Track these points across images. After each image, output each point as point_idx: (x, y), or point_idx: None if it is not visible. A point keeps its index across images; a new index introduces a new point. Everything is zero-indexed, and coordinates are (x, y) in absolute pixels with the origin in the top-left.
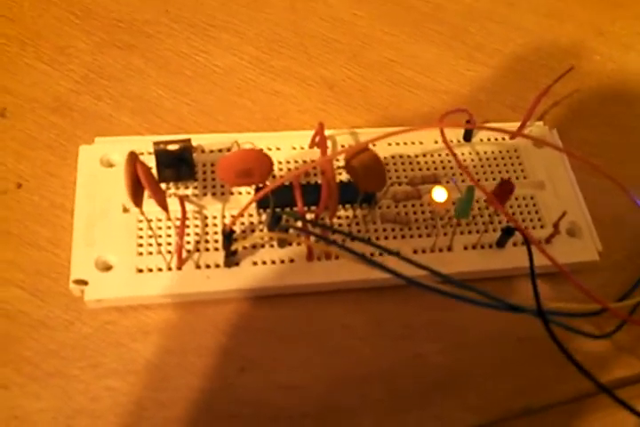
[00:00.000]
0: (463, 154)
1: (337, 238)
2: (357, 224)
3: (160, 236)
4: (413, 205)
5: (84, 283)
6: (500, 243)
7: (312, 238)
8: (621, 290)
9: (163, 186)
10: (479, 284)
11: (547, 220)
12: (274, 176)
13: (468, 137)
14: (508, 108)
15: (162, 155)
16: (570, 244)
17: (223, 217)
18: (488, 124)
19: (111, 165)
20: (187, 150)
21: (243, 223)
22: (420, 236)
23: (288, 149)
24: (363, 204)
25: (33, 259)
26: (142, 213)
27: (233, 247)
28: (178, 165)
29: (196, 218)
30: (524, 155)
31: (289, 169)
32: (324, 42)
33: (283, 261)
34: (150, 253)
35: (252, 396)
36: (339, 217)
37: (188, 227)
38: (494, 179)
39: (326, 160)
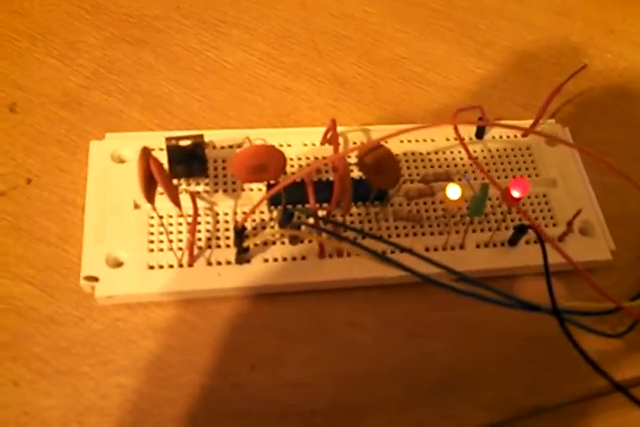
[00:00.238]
0: (475, 151)
1: (349, 236)
2: (370, 222)
3: (171, 232)
4: (425, 203)
5: (95, 279)
6: (513, 241)
7: (324, 235)
8: (634, 289)
9: (174, 182)
10: (491, 282)
11: (559, 218)
12: (285, 173)
13: (480, 134)
14: (519, 106)
15: (174, 151)
16: (582, 242)
17: (235, 214)
18: (501, 122)
19: (122, 161)
20: (199, 146)
21: (254, 220)
22: (432, 234)
23: (299, 146)
24: (375, 201)
25: (43, 255)
26: (154, 210)
27: (244, 244)
28: (190, 161)
29: (207, 214)
30: (536, 153)
31: (300, 166)
32: (334, 38)
33: (294, 259)
34: (161, 250)
35: (263, 393)
36: (351, 214)
37: (199, 223)
38: (506, 176)
39: (339, 157)
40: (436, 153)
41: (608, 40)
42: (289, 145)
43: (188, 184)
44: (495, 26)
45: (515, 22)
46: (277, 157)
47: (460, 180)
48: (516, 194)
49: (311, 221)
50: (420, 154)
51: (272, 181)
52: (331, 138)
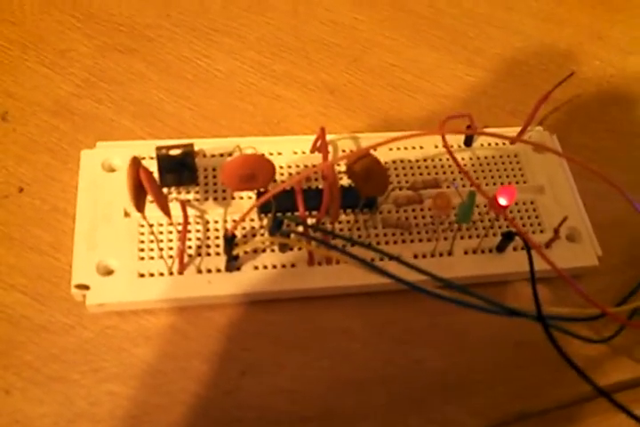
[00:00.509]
0: (464, 159)
1: (338, 243)
2: (358, 229)
3: (161, 240)
4: (414, 210)
5: (86, 287)
6: (500, 247)
7: (313, 243)
8: (620, 294)
9: (164, 191)
10: (479, 288)
11: (546, 225)
12: (275, 181)
13: (468, 142)
14: (508, 113)
15: (164, 160)
16: (569, 249)
17: (225, 222)
18: (489, 130)
19: (112, 170)
20: (189, 155)
21: (244, 228)
22: (420, 240)
23: (289, 154)
24: (364, 208)
25: (34, 263)
26: (144, 218)
27: (234, 252)
28: (180, 169)
29: (197, 223)
30: (524, 160)
31: (290, 174)
32: (325, 46)
33: (284, 266)
34: (152, 258)
35: (253, 400)
36: (340, 222)
37: (189, 231)
38: (494, 184)
39: (328, 165)
40: (425, 160)
41: (597, 47)
42: (279, 153)
43: (179, 193)
44: (484, 33)
45: (504, 30)
46: (267, 166)
47: (448, 187)
48: (503, 201)
49: (301, 228)
50: (409, 161)
51: (262, 190)
52: (320, 146)
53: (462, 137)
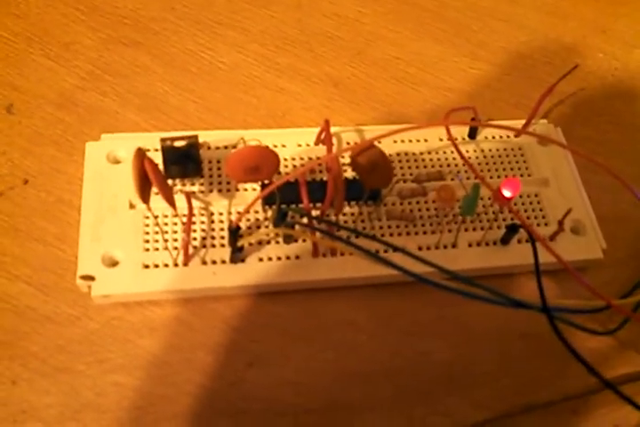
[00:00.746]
0: (468, 151)
1: (342, 235)
2: (363, 221)
3: (166, 232)
4: (418, 202)
5: (91, 278)
6: (505, 240)
7: (318, 235)
8: (625, 287)
9: (169, 182)
10: (483, 280)
11: (551, 217)
12: (279, 173)
13: (472, 135)
14: (512, 106)
15: (169, 151)
16: (574, 241)
17: (229, 213)
18: (493, 122)
19: (117, 162)
20: (193, 147)
21: (249, 220)
22: (424, 233)
23: (293, 146)
24: (368, 201)
25: (40, 255)
26: (149, 210)
27: (239, 243)
28: (184, 161)
29: (202, 214)
30: (528, 152)
31: (294, 166)
32: (328, 39)
33: (288, 258)
34: (157, 249)
35: (259, 392)
36: (344, 214)
37: (194, 223)
38: (499, 176)
39: (332, 157)
40: (429, 153)
41: (601, 40)
42: (283, 145)
43: (183, 184)
44: (488, 26)
45: (508, 23)
46: (272, 157)
47: (452, 179)
48: (507, 193)
49: (305, 220)
50: (413, 154)
51: (266, 181)
52: (324, 138)
53: (466, 130)
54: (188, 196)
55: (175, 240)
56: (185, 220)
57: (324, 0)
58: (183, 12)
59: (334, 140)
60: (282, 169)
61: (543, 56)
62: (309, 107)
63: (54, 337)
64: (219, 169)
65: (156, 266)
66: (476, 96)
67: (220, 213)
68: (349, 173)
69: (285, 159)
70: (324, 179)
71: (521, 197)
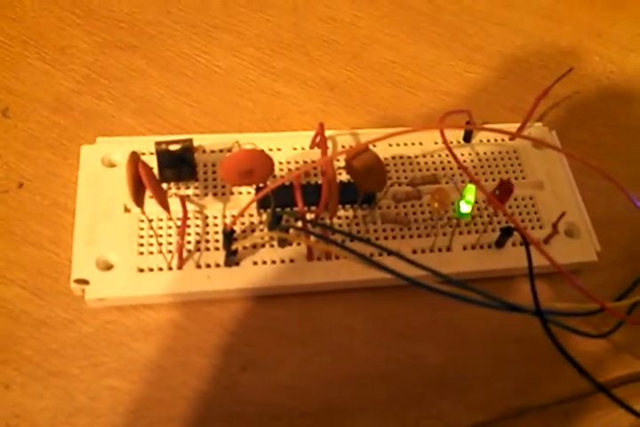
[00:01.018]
0: (463, 155)
1: (337, 238)
2: (357, 224)
3: (161, 235)
4: (413, 206)
5: (85, 282)
6: (499, 243)
7: (312, 238)
8: (619, 290)
9: (164, 186)
10: (478, 284)
11: (545, 220)
12: (274, 176)
13: (467, 138)
14: (507, 110)
15: (163, 155)
16: (568, 244)
17: (224, 217)
18: (488, 126)
19: (112, 165)
20: (188, 150)
21: (243, 223)
22: (419, 236)
23: (289, 150)
24: (363, 204)
25: (34, 258)
26: (143, 213)
27: (233, 247)
28: (179, 165)
29: (196, 218)
30: (523, 156)
31: (289, 169)
32: (324, 43)
33: (283, 261)
34: (151, 253)
35: (253, 395)
36: (339, 217)
37: (188, 227)
38: (494, 179)
39: (327, 160)
40: (424, 156)
41: (596, 44)
42: (278, 149)
43: (178, 188)
44: (484, 30)
45: (503, 27)
46: (266, 161)
47: (447, 183)
48: (501, 197)
49: (300, 224)
50: (408, 157)
51: (261, 185)
52: (319, 142)
53: (462, 133)
54: (183, 199)
55: (170, 244)
56: (179, 223)
57: (319, 4)
58: (179, 16)
59: (329, 144)
60: (277, 172)
61: (539, 60)
62: (305, 110)
63: (48, 341)
64: (213, 173)
65: (151, 270)
66: (471, 99)
67: (215, 217)
68: (344, 177)
69: (280, 163)
70: (319, 182)
71: (515, 200)
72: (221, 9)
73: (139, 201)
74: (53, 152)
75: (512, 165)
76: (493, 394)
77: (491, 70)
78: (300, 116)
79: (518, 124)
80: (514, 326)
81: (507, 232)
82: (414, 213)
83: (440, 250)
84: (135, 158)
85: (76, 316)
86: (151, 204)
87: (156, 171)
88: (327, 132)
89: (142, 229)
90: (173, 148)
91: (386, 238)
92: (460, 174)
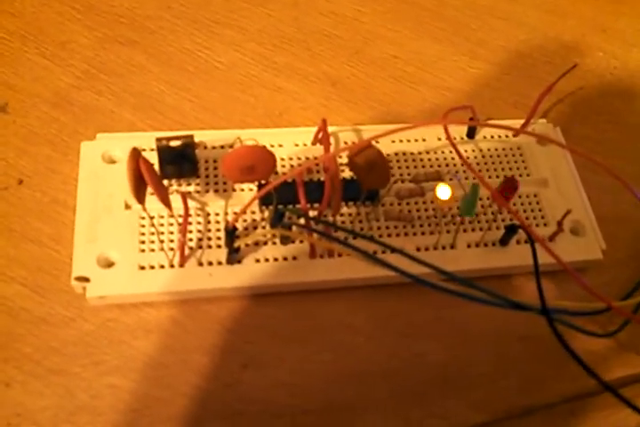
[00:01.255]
0: (466, 151)
1: (340, 236)
2: (360, 222)
3: (162, 233)
4: (416, 203)
5: (86, 280)
6: (504, 241)
7: (315, 236)
8: (625, 288)
9: (165, 182)
10: (482, 282)
11: (550, 218)
12: (276, 173)
13: (471, 134)
14: (511, 106)
15: (164, 151)
16: (573, 242)
17: (226, 214)
18: (492, 122)
19: (113, 162)
20: (189, 147)
21: (245, 220)
22: (423, 233)
23: (291, 146)
24: (366, 201)
25: (34, 255)
26: (145, 210)
27: (235, 244)
28: (180, 161)
29: (198, 215)
30: (527, 152)
31: (292, 166)
32: (326, 38)
33: (285, 259)
34: (152, 251)
35: (255, 393)
36: (342, 214)
37: (190, 224)
38: (497, 176)
39: (329, 157)
40: (428, 153)
41: (600, 39)
42: (280, 145)
43: (179, 184)
44: (487, 25)
45: (507, 21)
46: (268, 157)
47: (451, 179)
48: (506, 194)
49: (302, 221)
50: (412, 154)
51: (263, 181)
52: (322, 138)
53: (465, 129)
54: (184, 196)
55: (171, 241)
56: (181, 220)
57: None
58: (180, 11)
59: (332, 140)
60: (279, 169)
61: (542, 55)
62: (307, 106)
63: (49, 339)
64: (215, 169)
65: (152, 267)
66: (474, 95)
67: (217, 214)
68: (347, 173)
69: (282, 159)
70: (322, 179)
71: (520, 197)
72: (222, 4)
73: (140, 198)
74: (53, 148)
75: (516, 162)
76: (497, 393)
77: (494, 66)
78: (302, 111)
79: (522, 121)
80: (518, 325)
81: (511, 230)
82: (418, 211)
83: (444, 248)
84: (136, 154)
85: (76, 313)
86: (152, 200)
87: (156, 167)
88: (329, 129)
89: (143, 226)
90: (174, 144)
91: (389, 236)
92: (464, 171)
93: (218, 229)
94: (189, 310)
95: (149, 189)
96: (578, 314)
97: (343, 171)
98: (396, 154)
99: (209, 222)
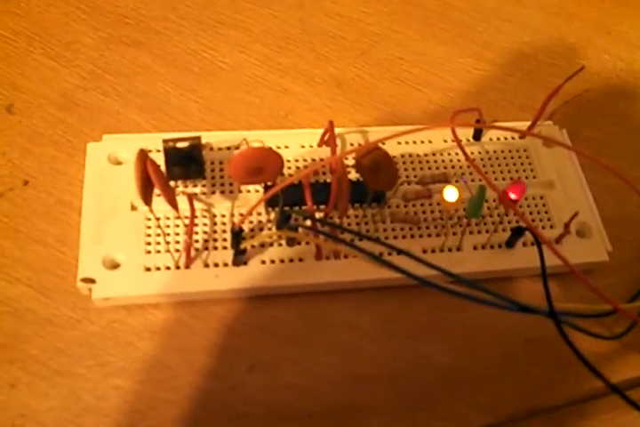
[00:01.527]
0: (473, 153)
1: (346, 237)
2: (367, 224)
3: (168, 234)
4: (423, 205)
5: (92, 281)
6: (510, 243)
7: (321, 237)
8: (631, 290)
9: (171, 184)
10: (488, 284)
11: (556, 220)
12: (282, 174)
13: (477, 136)
14: (516, 107)
15: (171, 152)
16: (579, 244)
17: (232, 215)
18: (498, 124)
19: (119, 163)
20: (196, 148)
21: (251, 222)
22: (429, 235)
23: (297, 148)
24: (372, 203)
25: (40, 257)
26: (151, 212)
27: (242, 246)
28: (187, 162)
29: (204, 216)
30: (533, 154)
31: (298, 167)
32: (332, 39)
33: (291, 260)
34: (158, 252)
35: (261, 395)
36: (348, 216)
37: (196, 225)
38: (504, 178)
39: (336, 159)
40: (434, 155)
41: (605, 41)
42: (286, 146)
43: (186, 186)
44: (493, 27)
45: (512, 23)
46: (275, 159)
47: (457, 181)
48: (513, 196)
49: (308, 222)
50: (418, 156)
51: (269, 183)
52: (328, 139)
53: (471, 131)
54: (191, 197)
55: (177, 242)
56: (187, 222)
57: (326, 0)
58: (185, 12)
59: (338, 142)
60: (285, 170)
61: (548, 57)
62: (312, 107)
63: (54, 340)
64: (221, 170)
65: (158, 269)
66: (480, 97)
67: (223, 215)
68: (353, 175)
69: (288, 160)
70: (328, 180)
71: (526, 199)
72: (228, 5)
73: (147, 199)
74: (58, 149)
75: (522, 164)
76: (503, 395)
77: (499, 67)
78: (308, 113)
79: (527, 123)
80: (524, 327)
81: (518, 232)
82: (424, 213)
83: (450, 250)
84: (144, 156)
85: (82, 315)
86: (158, 202)
87: (162, 168)
88: (336, 130)
89: (149, 227)
90: (181, 145)
91: (395, 238)
92: (470, 173)
93: (224, 231)
94: (195, 311)
95: (156, 191)
96: (585, 317)
97: (349, 172)
98: (402, 156)
99: (215, 224)
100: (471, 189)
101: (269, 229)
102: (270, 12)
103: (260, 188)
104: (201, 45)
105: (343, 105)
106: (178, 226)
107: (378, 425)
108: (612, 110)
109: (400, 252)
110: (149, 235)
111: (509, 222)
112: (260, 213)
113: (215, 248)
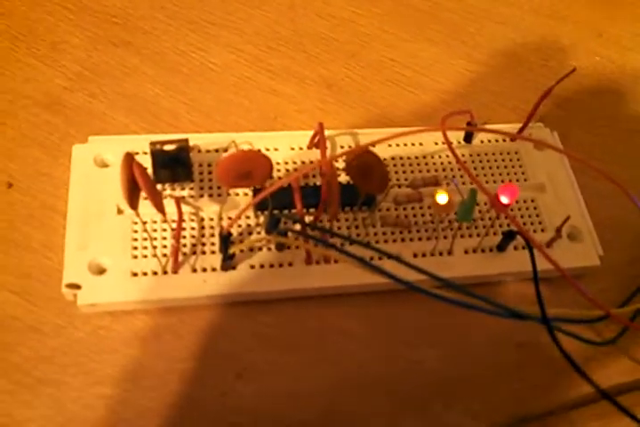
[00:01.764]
0: (463, 155)
1: (336, 242)
2: (357, 227)
3: (155, 238)
4: (414, 208)
5: (77, 287)
6: (501, 247)
7: (311, 242)
8: (622, 294)
9: (158, 187)
10: (479, 288)
11: (547, 223)
12: (272, 177)
13: (468, 138)
14: (507, 109)
15: (158, 155)
16: (570, 248)
17: (220, 219)
18: (489, 126)
19: (105, 165)
20: (184, 151)
21: (240, 226)
22: (420, 239)
23: (286, 150)
24: (363, 206)
25: (24, 262)
26: (138, 216)
27: (230, 251)
28: (174, 165)
29: (192, 220)
30: (524, 157)
31: (287, 170)
32: (323, 40)
33: (281, 265)
34: (145, 257)
35: (250, 403)
36: (338, 220)
37: (184, 229)
38: (495, 181)
39: (326, 162)
40: (425, 157)
41: (597, 43)
42: (276, 149)
43: (173, 189)
44: (484, 28)
45: (504, 25)
46: (264, 162)
47: (448, 184)
48: (504, 200)
49: (298, 227)
50: (409, 158)
51: (258, 187)
52: (318, 142)
53: (462, 133)
54: (178, 201)
55: (164, 247)
56: (174, 226)
57: (318, 1)
58: (173, 11)
59: (328, 144)
60: (274, 173)
61: (540, 59)
62: (302, 109)
63: (38, 348)
64: (209, 173)
65: (145, 274)
66: (471, 99)
67: (211, 219)
68: (343, 178)
69: (278, 163)
70: (318, 183)
71: (517, 202)
72: (217, 4)
73: (133, 203)
74: (44, 151)
75: (513, 167)
76: (495, 401)
77: (491, 69)
78: (298, 114)
79: (519, 124)
80: (515, 332)
81: (509, 236)
82: (415, 216)
83: (441, 254)
84: (130, 159)
85: (67, 321)
86: (145, 205)
87: (149, 171)
88: (325, 132)
89: (136, 231)
90: (168, 148)
91: (386, 242)
92: (461, 176)
93: (212, 235)
94: (183, 317)
95: (143, 194)
96: (577, 322)
97: (340, 175)
98: (393, 158)
99: (203, 228)
100: (462, 192)
101: (258, 233)
102: (261, 13)
103: (249, 191)
104: (190, 46)
105: (334, 107)
106: (165, 230)
107: None
108: (602, 113)
109: (390, 257)
110: (136, 239)
111: (501, 226)
112: (248, 217)
113: (203, 253)
